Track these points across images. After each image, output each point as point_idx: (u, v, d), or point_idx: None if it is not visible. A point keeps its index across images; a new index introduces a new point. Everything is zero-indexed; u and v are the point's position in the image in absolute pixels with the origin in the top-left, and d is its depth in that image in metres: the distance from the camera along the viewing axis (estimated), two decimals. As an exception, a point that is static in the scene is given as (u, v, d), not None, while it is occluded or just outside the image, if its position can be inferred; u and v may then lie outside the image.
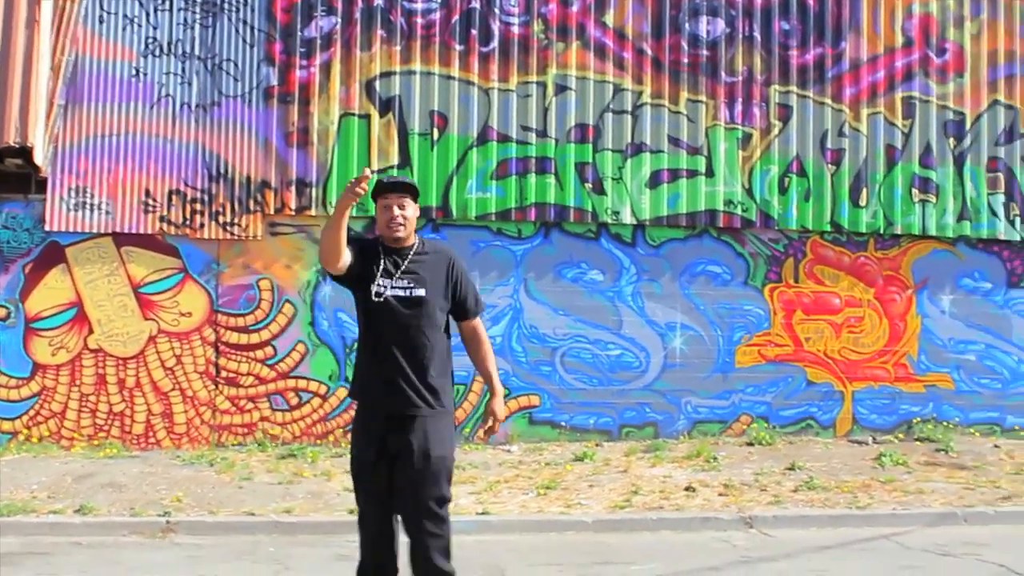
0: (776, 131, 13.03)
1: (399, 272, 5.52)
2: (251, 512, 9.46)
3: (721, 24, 13.00)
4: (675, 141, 12.84)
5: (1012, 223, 13.39)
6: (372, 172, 5.45)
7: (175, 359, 12.25)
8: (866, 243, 13.24)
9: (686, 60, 12.92)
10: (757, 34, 13.04)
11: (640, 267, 12.84)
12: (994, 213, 13.37)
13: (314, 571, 7.82)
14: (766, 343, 13.05)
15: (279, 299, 12.38)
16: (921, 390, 13.25)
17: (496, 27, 12.66)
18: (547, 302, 12.67)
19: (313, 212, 12.34)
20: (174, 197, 12.26)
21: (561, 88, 12.72)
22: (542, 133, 12.67)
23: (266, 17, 12.42)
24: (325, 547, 8.46)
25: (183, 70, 12.37)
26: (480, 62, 12.63)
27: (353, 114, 12.46)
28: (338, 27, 12.47)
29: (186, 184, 12.28)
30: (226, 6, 12.38)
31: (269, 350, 12.35)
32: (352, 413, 11.79)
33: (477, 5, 12.62)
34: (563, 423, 12.64)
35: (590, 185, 12.69)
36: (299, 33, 12.44)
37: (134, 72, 12.31)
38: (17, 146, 11.66)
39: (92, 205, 12.16)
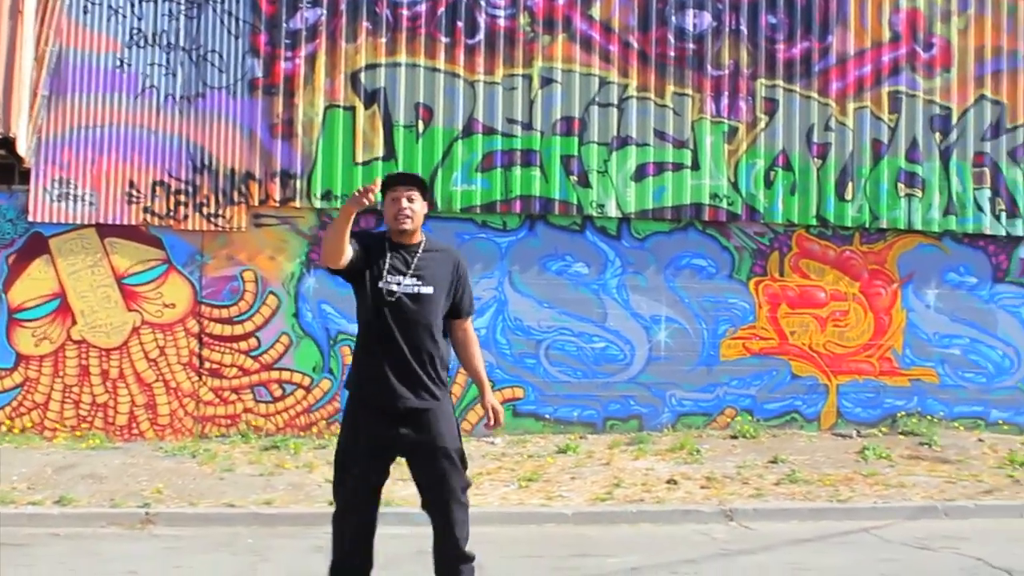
0: (762, 125, 13.02)
1: (410, 270, 5.56)
2: (231, 504, 9.46)
3: (708, 17, 12.98)
4: (661, 134, 12.83)
5: (998, 218, 13.39)
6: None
7: (158, 350, 12.23)
8: (851, 237, 13.23)
9: (672, 53, 12.90)
10: (744, 28, 13.02)
11: (625, 260, 12.83)
12: (980, 208, 13.36)
13: (291, 563, 7.81)
14: (751, 336, 13.04)
15: (263, 291, 12.36)
16: (906, 384, 13.24)
17: (482, 19, 12.64)
18: (532, 294, 12.66)
19: (297, 204, 12.32)
20: (158, 188, 12.24)
21: (547, 81, 12.70)
22: (528, 126, 12.65)
23: (251, 8, 12.39)
24: (304, 539, 8.45)
25: (168, 61, 12.34)
26: (466, 54, 12.60)
27: (338, 106, 12.44)
28: (323, 18, 12.44)
29: (170, 175, 12.26)
30: (211, -3, 12.37)
31: (253, 341, 12.34)
32: (336, 404, 12.00)
33: (463, -3, 12.63)
34: (547, 415, 12.63)
35: (575, 178, 12.68)
36: (284, 24, 12.41)
37: (118, 63, 12.28)
38: (0, 137, 11.63)
39: (76, 196, 12.13)
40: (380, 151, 12.42)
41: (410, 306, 5.52)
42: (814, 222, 13.08)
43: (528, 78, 12.68)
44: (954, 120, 13.35)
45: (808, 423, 13.01)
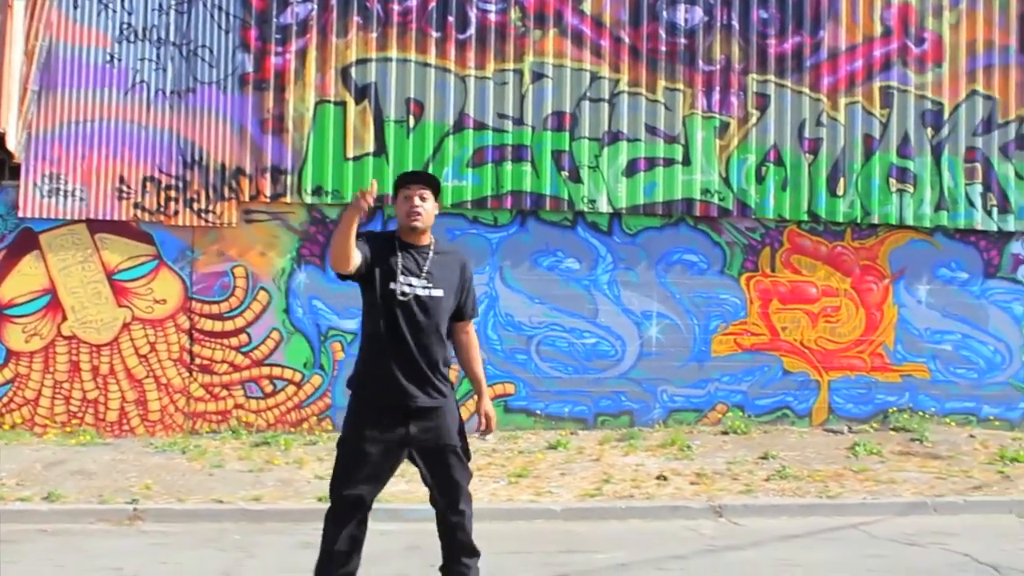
0: (754, 120, 13.00)
1: (423, 272, 5.60)
2: (219, 500, 9.45)
3: (699, 12, 12.96)
4: (652, 129, 12.81)
5: (989, 213, 13.38)
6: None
7: (149, 346, 12.22)
8: (843, 233, 13.22)
9: (664, 48, 12.88)
10: (735, 22, 13.00)
11: (616, 255, 12.82)
12: (971, 203, 13.35)
13: (277, 559, 7.80)
14: (742, 332, 13.04)
15: (253, 286, 12.34)
16: (897, 380, 13.24)
17: (473, 14, 12.61)
18: (523, 290, 12.65)
19: (288, 199, 12.31)
20: (148, 184, 12.22)
21: (538, 76, 12.68)
22: (519, 121, 12.63)
23: (241, 3, 12.37)
24: (291, 535, 8.44)
25: (158, 56, 12.31)
26: (457, 49, 12.58)
27: (329, 101, 12.42)
28: (314, 14, 12.41)
29: (160, 171, 12.23)
30: (201, -8, 12.34)
31: (243, 337, 12.32)
32: (327, 400, 12.00)
33: (454, -8, 12.60)
34: (538, 411, 12.62)
35: (566, 173, 12.66)
36: (274, 19, 12.39)
37: (108, 58, 12.26)
38: (-11, 132, 11.63)
39: (66, 191, 12.11)
40: (371, 146, 12.40)
41: (421, 308, 5.56)
42: (805, 217, 13.07)
43: (519, 73, 12.66)
44: (946, 115, 13.33)
45: (799, 419, 13.01)
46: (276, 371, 12.35)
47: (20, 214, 12.03)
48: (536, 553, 7.96)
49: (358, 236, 5.46)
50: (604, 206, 12.71)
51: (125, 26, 12.27)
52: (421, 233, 5.65)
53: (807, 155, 13.06)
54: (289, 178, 12.30)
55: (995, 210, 13.39)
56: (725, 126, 12.95)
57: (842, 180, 13.10)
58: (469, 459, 5.77)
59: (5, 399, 12.00)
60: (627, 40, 12.82)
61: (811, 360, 13.11)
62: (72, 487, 9.73)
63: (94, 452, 11.09)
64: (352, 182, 12.25)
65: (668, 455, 11.36)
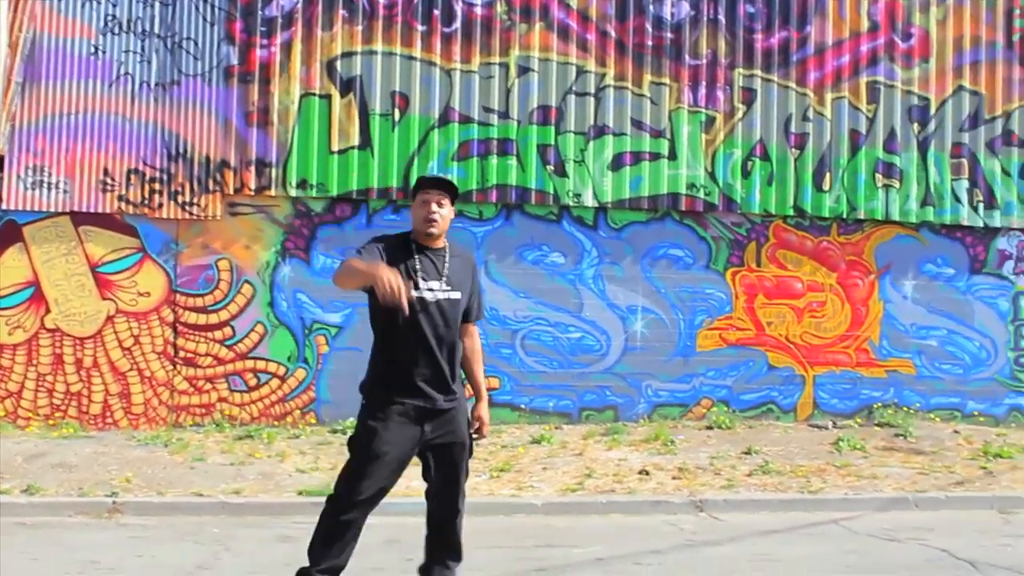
0: (740, 115, 12.99)
1: (443, 276, 5.65)
2: (199, 493, 9.43)
3: (686, 6, 12.94)
4: (638, 124, 12.79)
5: (975, 209, 13.38)
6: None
7: (133, 339, 12.19)
8: (829, 228, 13.22)
9: (650, 42, 12.86)
10: (722, 17, 12.98)
11: (602, 250, 12.80)
12: (957, 199, 13.35)
13: (254, 552, 7.78)
14: (727, 327, 13.04)
15: (238, 279, 12.32)
16: (882, 375, 13.25)
17: (459, 8, 12.58)
18: (508, 284, 12.63)
19: (272, 192, 12.27)
20: (133, 176, 12.18)
21: (524, 70, 12.66)
22: (504, 115, 12.61)
23: (226, -5, 12.35)
24: (270, 528, 8.44)
25: (142, 48, 12.27)
26: (442, 43, 12.55)
27: (314, 94, 12.38)
28: (299, 6, 12.37)
29: (145, 163, 12.20)
30: (186, -16, 12.30)
31: (228, 331, 12.30)
32: (311, 394, 11.96)
33: (440, -15, 12.57)
34: (523, 406, 12.60)
35: (552, 167, 12.64)
36: (260, 12, 12.34)
37: (93, 50, 12.21)
38: (-28, 123, 11.59)
39: (50, 184, 12.07)
40: (356, 140, 12.37)
41: (441, 312, 5.61)
42: (791, 212, 13.06)
43: (505, 67, 12.64)
44: (932, 111, 13.33)
45: (784, 414, 13.01)
46: (260, 364, 12.33)
47: (3, 206, 11.98)
48: (514, 548, 7.94)
49: (371, 242, 5.56)
50: (589, 200, 12.69)
51: (110, 18, 12.22)
52: (437, 237, 5.70)
53: (793, 150, 13.05)
54: (274, 171, 12.27)
55: (981, 206, 13.39)
56: (711, 121, 12.94)
57: (828, 175, 13.10)
58: (471, 456, 5.88)
59: (-12, 392, 11.99)
60: (613, 34, 12.80)
61: (796, 355, 13.11)
62: (52, 480, 9.71)
63: (76, 445, 11.06)
64: (337, 175, 12.24)
65: (651, 450, 11.34)
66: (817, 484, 10.16)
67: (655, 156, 12.81)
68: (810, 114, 13.09)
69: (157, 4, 12.27)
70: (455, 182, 5.90)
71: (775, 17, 13.07)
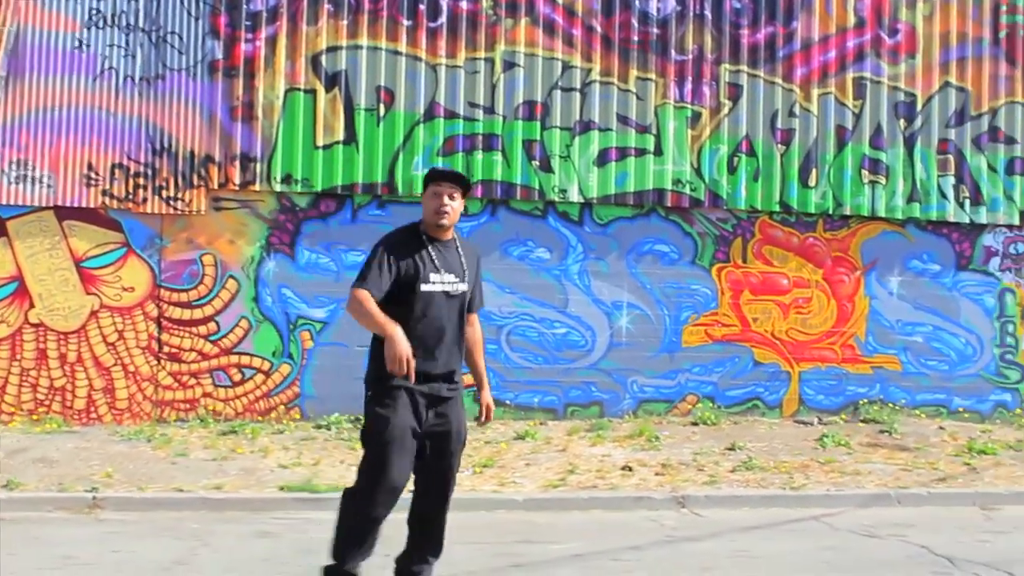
0: (726, 110, 12.98)
1: (452, 268, 5.75)
2: (180, 488, 9.40)
3: (671, 2, 12.91)
4: (624, 119, 12.78)
5: (961, 205, 13.38)
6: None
7: (117, 334, 12.16)
8: (815, 224, 13.22)
9: (636, 38, 12.84)
10: (708, 12, 12.96)
11: (587, 246, 12.79)
12: (944, 195, 13.35)
13: (231, 548, 7.76)
14: (713, 323, 13.03)
15: (222, 274, 12.28)
16: (868, 371, 13.25)
17: (444, 2, 12.54)
18: (493, 280, 12.53)
19: (257, 187, 12.24)
20: (117, 171, 12.13)
21: (509, 65, 12.63)
22: (489, 110, 12.58)
23: (211, -11, 12.31)
24: (249, 524, 8.42)
25: (127, 42, 12.22)
26: (428, 37, 12.52)
27: (299, 89, 12.35)
28: (284, 1, 12.33)
29: (129, 158, 12.15)
30: (170, -22, 12.25)
31: (212, 326, 12.27)
32: (296, 389, 11.93)
33: (425, -20, 12.54)
34: (508, 401, 12.57)
35: (537, 163, 12.62)
36: (245, 6, 12.29)
37: (77, 44, 12.15)
38: (-45, 117, 11.55)
39: (34, 178, 12.02)
40: (341, 135, 12.34)
41: (451, 303, 5.73)
42: (777, 208, 13.06)
43: (490, 62, 12.61)
44: (919, 107, 13.32)
45: (770, 410, 13.01)
46: (245, 360, 12.31)
47: (-13, 201, 11.97)
48: (493, 543, 7.92)
49: (382, 247, 5.65)
50: (575, 196, 12.67)
51: (94, 12, 12.17)
52: (447, 229, 5.80)
53: (779, 146, 13.04)
54: (258, 166, 12.24)
55: (967, 202, 13.39)
56: (697, 116, 12.92)
57: (814, 171, 13.09)
58: (463, 446, 5.93)
59: (-29, 387, 11.95)
60: (599, 29, 12.78)
61: (782, 351, 13.11)
62: (33, 475, 9.68)
63: (58, 440, 11.03)
64: (322, 170, 12.22)
65: (635, 446, 11.33)
66: (800, 480, 10.16)
67: (641, 152, 12.80)
68: (796, 110, 13.08)
69: (142, -2, 12.24)
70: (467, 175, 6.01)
71: (761, 13, 13.05)
